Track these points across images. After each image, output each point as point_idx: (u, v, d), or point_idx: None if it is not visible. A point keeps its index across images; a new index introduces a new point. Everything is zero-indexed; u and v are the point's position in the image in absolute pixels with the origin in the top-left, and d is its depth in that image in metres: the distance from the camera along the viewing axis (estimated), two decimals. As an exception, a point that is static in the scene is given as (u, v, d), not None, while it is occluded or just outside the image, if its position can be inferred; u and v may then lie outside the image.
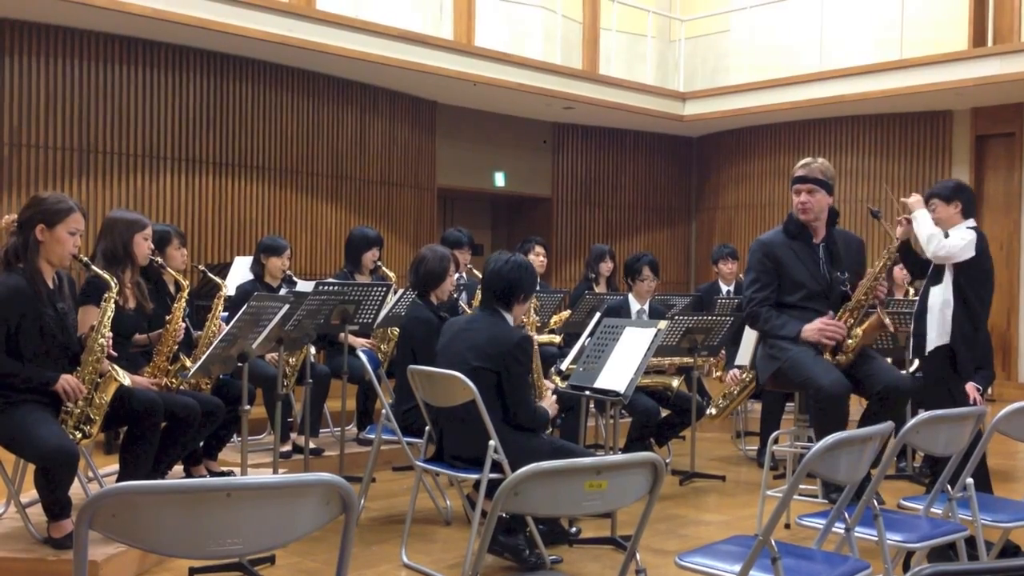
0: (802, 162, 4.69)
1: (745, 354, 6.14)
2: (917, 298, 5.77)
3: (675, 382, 6.00)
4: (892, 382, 4.39)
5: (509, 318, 4.16)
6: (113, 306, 3.98)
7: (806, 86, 11.04)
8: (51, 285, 3.91)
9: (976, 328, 4.96)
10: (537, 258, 7.34)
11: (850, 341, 4.49)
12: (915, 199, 5.08)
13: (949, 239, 4.93)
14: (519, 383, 3.97)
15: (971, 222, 5.08)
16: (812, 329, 4.45)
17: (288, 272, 6.18)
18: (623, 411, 5.91)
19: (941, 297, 4.98)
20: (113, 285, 3.98)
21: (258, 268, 6.14)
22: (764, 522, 2.67)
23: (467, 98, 10.72)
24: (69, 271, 4.19)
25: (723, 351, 6.57)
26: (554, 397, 4.34)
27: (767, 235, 4.76)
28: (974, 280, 4.95)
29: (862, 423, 4.34)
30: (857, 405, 4.64)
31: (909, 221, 5.03)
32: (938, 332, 4.97)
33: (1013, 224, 10.68)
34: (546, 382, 4.62)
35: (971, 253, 4.89)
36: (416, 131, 10.66)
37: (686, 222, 13.36)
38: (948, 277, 4.98)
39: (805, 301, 4.54)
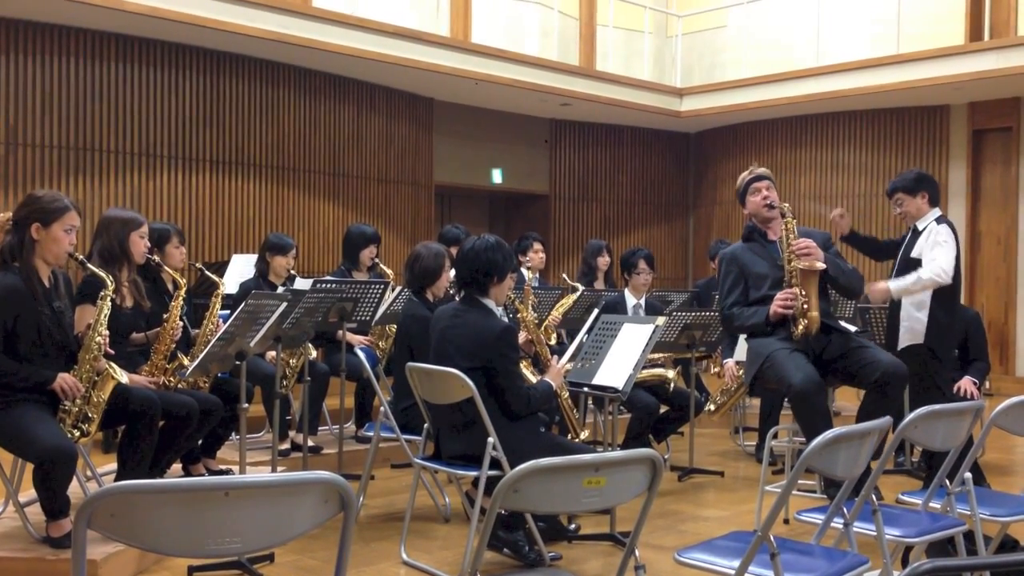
0: (750, 169, 5.00)
1: (743, 349, 6.15)
2: None
3: (671, 373, 6.01)
4: (890, 367, 4.43)
5: (490, 303, 4.09)
6: (109, 304, 3.97)
7: (803, 81, 11.05)
8: (47, 284, 3.90)
9: (951, 316, 5.03)
10: (536, 255, 7.33)
11: (801, 299, 4.56)
12: (882, 287, 5.08)
13: (935, 258, 4.95)
14: (508, 374, 3.95)
15: (937, 212, 5.12)
16: (772, 307, 4.59)
17: (293, 272, 6.15)
18: (623, 407, 5.92)
19: (916, 299, 5.03)
20: (109, 283, 3.97)
21: (263, 266, 6.11)
22: (763, 517, 2.67)
23: (464, 95, 10.72)
24: (66, 270, 4.18)
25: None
26: (559, 364, 4.33)
27: (729, 248, 5.01)
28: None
29: (861, 415, 4.36)
30: (856, 399, 4.66)
31: (843, 216, 5.26)
32: (911, 332, 5.04)
33: (1010, 218, 10.68)
34: (552, 358, 4.64)
35: (954, 253, 4.95)
36: (413, 128, 10.66)
37: (683, 218, 13.36)
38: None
39: (771, 290, 4.67)
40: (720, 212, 12.84)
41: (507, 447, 3.84)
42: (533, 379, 4.72)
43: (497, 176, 11.79)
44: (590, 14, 11.55)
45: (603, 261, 7.47)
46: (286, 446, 5.84)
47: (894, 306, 5.16)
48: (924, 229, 5.14)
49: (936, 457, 4.40)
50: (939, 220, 5.12)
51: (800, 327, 4.54)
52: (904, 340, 5.08)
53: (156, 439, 4.11)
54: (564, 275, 8.37)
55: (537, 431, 4.12)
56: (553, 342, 6.72)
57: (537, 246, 7.36)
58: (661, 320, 4.56)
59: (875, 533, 2.98)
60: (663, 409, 6.03)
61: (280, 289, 5.83)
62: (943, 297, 5.02)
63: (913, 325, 5.05)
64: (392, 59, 9.17)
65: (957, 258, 5.06)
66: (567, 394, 5.02)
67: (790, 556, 2.64)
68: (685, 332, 5.90)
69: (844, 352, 4.54)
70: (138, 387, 4.13)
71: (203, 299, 5.70)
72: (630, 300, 6.38)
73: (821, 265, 4.54)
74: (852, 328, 4.87)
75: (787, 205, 4.77)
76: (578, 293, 6.66)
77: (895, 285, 5.04)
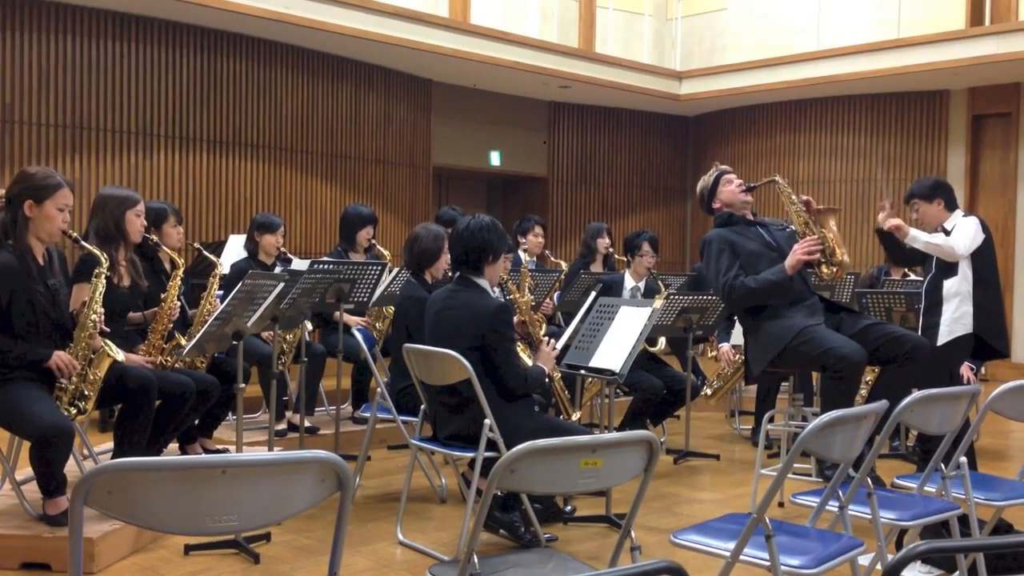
0: (715, 165, 5.06)
1: (740, 333, 6.15)
2: (917, 280, 5.82)
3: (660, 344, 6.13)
4: (919, 339, 4.54)
5: (484, 283, 4.09)
6: (104, 281, 3.96)
7: (803, 65, 11.01)
8: (41, 261, 3.89)
9: (996, 305, 5.08)
10: (535, 239, 7.33)
11: (829, 238, 4.59)
12: (897, 223, 5.07)
13: (960, 233, 4.97)
14: (504, 351, 3.96)
15: (960, 212, 5.14)
16: (792, 258, 4.56)
17: (282, 249, 6.16)
18: (628, 389, 5.95)
19: (957, 289, 5.02)
20: (103, 260, 3.96)
21: (252, 245, 6.11)
22: (758, 500, 2.68)
23: (463, 76, 10.67)
24: (62, 248, 4.17)
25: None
26: (550, 348, 4.33)
27: (711, 232, 4.90)
28: (987, 262, 5.04)
29: (880, 390, 4.37)
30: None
31: (892, 205, 5.14)
32: (958, 323, 5.01)
33: (1008, 204, 10.68)
34: (543, 339, 4.64)
35: (983, 236, 4.99)
36: (411, 109, 10.62)
37: (682, 201, 13.34)
38: (964, 267, 5.02)
39: (770, 266, 4.66)
40: (718, 196, 12.79)
41: (503, 428, 3.85)
42: (529, 362, 4.73)
43: (495, 158, 11.76)
44: (590, -4, 11.50)
45: (603, 243, 7.46)
46: (283, 426, 5.85)
47: (932, 303, 5.12)
48: (953, 228, 5.11)
49: (932, 441, 4.41)
50: (966, 215, 5.15)
51: (828, 269, 4.56)
52: (946, 334, 5.03)
53: (152, 418, 4.12)
54: (547, 252, 8.34)
55: (533, 412, 4.13)
56: (544, 331, 6.74)
57: (538, 230, 7.36)
58: (658, 303, 4.57)
59: (870, 516, 2.99)
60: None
61: (277, 269, 5.83)
62: (988, 290, 5.03)
63: (960, 318, 5.02)
64: (391, 40, 9.12)
65: (992, 252, 5.09)
66: (559, 375, 5.04)
67: (785, 538, 2.65)
68: (682, 315, 5.91)
69: (863, 328, 4.56)
70: (135, 366, 4.13)
71: (200, 279, 5.70)
72: (628, 282, 6.37)
73: (833, 205, 4.71)
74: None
75: (779, 175, 4.87)
76: (561, 272, 6.68)
77: (917, 232, 5.04)
